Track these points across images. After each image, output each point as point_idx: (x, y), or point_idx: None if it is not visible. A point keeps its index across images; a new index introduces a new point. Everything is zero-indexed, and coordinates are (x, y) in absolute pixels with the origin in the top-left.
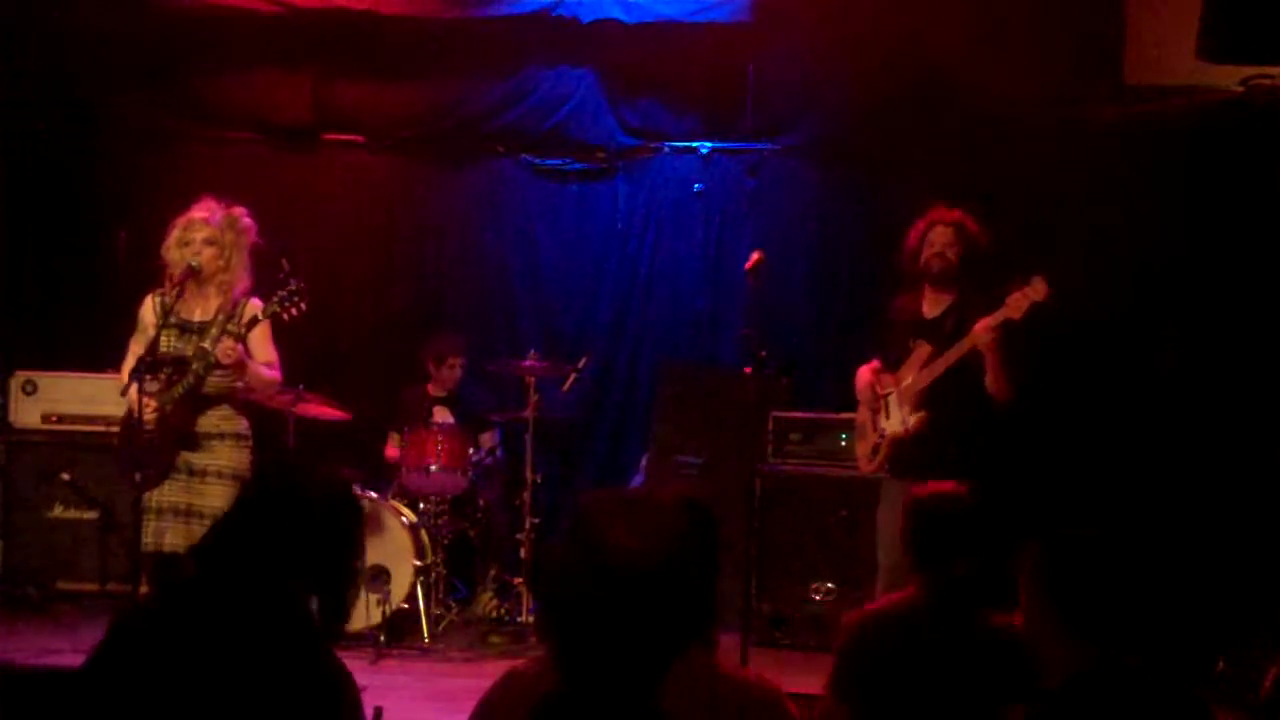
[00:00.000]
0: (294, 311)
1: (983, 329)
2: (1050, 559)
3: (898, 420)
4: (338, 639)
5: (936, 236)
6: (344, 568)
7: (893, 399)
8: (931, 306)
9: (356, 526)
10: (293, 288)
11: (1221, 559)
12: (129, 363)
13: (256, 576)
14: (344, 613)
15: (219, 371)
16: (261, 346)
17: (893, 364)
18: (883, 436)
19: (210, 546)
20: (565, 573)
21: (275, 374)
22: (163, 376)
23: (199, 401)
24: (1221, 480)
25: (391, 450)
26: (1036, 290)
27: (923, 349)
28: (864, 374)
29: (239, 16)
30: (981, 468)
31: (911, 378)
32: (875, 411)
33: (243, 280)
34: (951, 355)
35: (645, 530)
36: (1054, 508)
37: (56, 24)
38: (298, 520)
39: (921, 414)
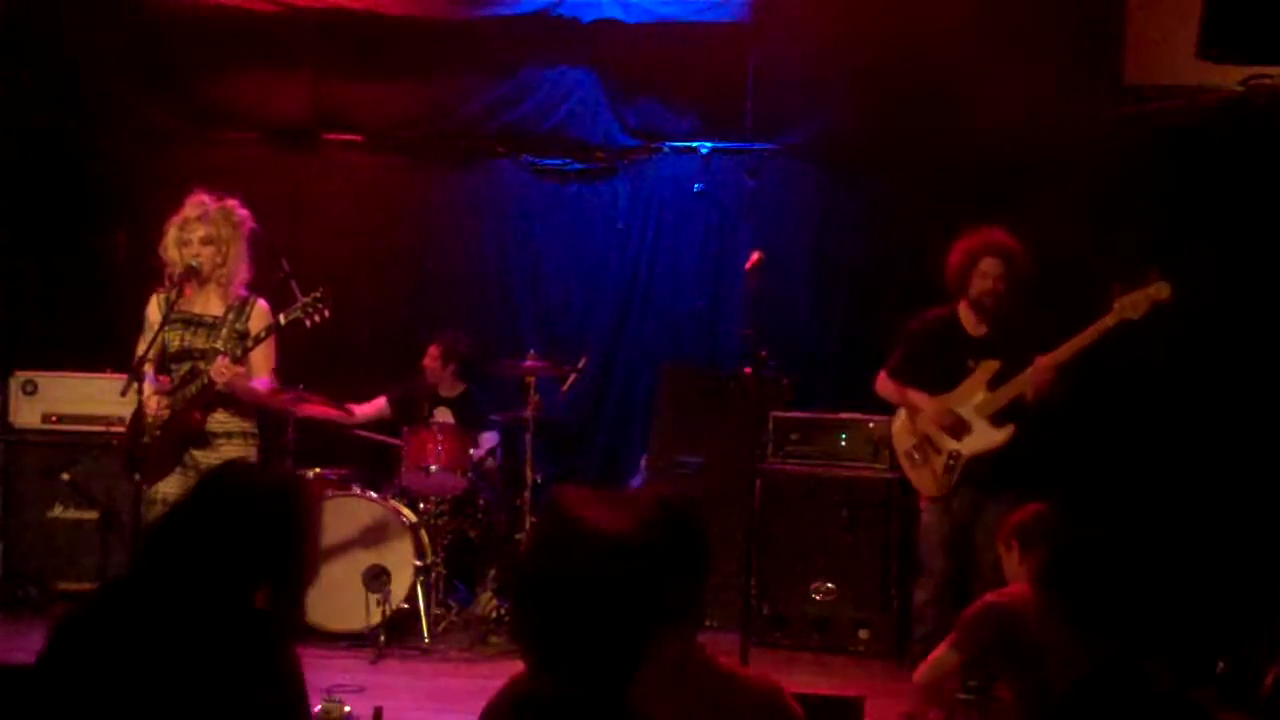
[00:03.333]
0: (317, 319)
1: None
2: (1061, 561)
3: (981, 437)
4: (295, 632)
5: (989, 267)
6: (294, 563)
7: (966, 416)
8: (975, 325)
9: (304, 522)
10: (317, 294)
11: (1222, 559)
12: (134, 363)
13: (202, 570)
14: (297, 607)
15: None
16: (263, 355)
17: (946, 382)
18: (956, 457)
19: (160, 538)
20: (536, 553)
21: (265, 385)
22: (172, 376)
23: (210, 400)
24: (1221, 480)
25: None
26: (1160, 290)
27: (988, 365)
28: (888, 388)
29: (239, 16)
30: (1057, 474)
31: (982, 395)
32: (937, 434)
33: (241, 272)
34: (1075, 346)
35: (617, 514)
36: (1056, 509)
37: (57, 24)
38: (245, 515)
39: (1011, 427)
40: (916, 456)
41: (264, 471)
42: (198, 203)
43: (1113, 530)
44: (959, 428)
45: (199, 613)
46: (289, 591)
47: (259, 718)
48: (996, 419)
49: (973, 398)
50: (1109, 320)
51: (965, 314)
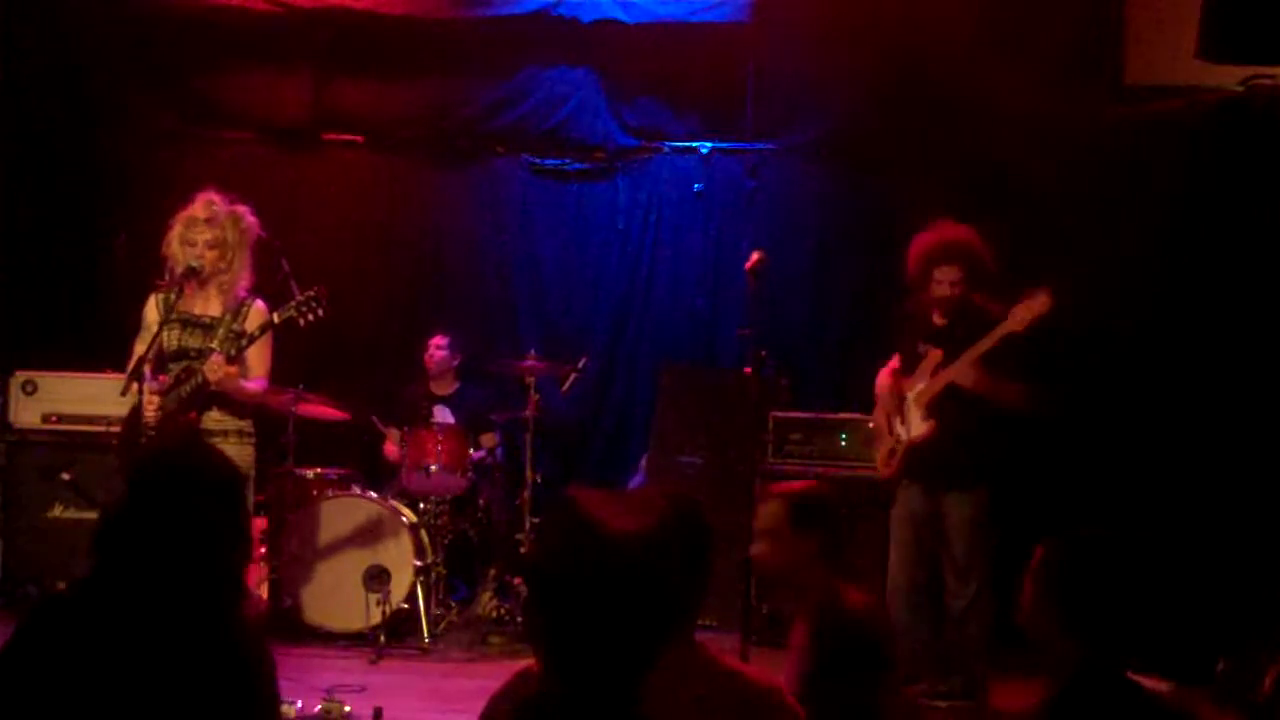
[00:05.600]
0: (311, 318)
1: (965, 366)
2: (1059, 561)
3: (914, 426)
4: (241, 605)
5: (945, 274)
6: (234, 537)
7: (909, 404)
8: (938, 315)
9: (241, 496)
10: (312, 294)
11: (1222, 559)
12: (133, 364)
13: (154, 560)
14: (241, 581)
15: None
16: (258, 354)
17: (909, 367)
18: (900, 441)
19: (105, 536)
20: (554, 556)
21: (259, 385)
22: (169, 375)
23: (205, 399)
24: (1221, 480)
25: (390, 447)
26: (1040, 303)
27: (933, 355)
28: (884, 375)
29: (239, 16)
30: (993, 474)
31: (924, 384)
32: (892, 415)
33: (244, 278)
34: (945, 377)
35: (632, 515)
36: (1057, 509)
37: (57, 24)
38: (186, 499)
39: (931, 423)
40: (884, 431)
41: (195, 453)
42: (207, 203)
43: (1113, 530)
44: (902, 414)
45: (151, 603)
46: (230, 564)
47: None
48: (930, 410)
49: (916, 385)
50: (1003, 329)
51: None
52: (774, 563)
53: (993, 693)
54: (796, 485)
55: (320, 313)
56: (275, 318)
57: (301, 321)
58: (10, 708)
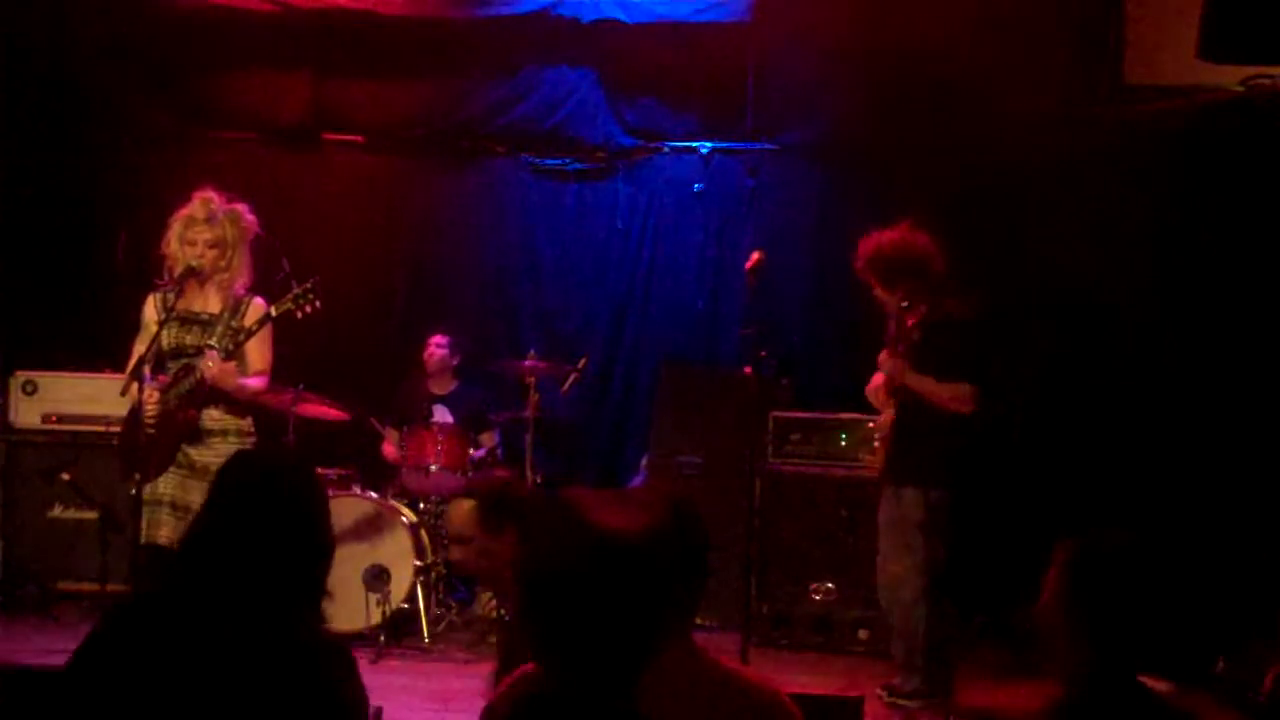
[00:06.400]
0: (308, 310)
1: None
2: (1081, 562)
3: (884, 416)
4: (319, 617)
5: (875, 289)
6: (316, 547)
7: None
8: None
9: (323, 505)
10: (308, 285)
11: (1221, 559)
12: (133, 363)
13: (238, 569)
14: (321, 589)
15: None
16: (257, 350)
17: None
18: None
19: (192, 543)
20: (544, 557)
21: (258, 383)
22: (167, 374)
23: (204, 397)
24: (1220, 479)
25: (389, 448)
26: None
27: (886, 351)
28: (875, 378)
29: (239, 16)
30: (941, 474)
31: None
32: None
33: (243, 275)
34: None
35: (627, 514)
36: (1055, 509)
37: (57, 24)
38: (269, 508)
39: (889, 413)
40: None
41: (275, 456)
42: (204, 202)
43: (1135, 532)
44: (883, 407)
45: (235, 613)
46: (311, 575)
47: None
48: (892, 402)
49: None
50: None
51: None
52: (472, 566)
53: (966, 690)
54: (486, 484)
55: (317, 304)
56: (272, 311)
57: (298, 314)
58: (88, 711)
